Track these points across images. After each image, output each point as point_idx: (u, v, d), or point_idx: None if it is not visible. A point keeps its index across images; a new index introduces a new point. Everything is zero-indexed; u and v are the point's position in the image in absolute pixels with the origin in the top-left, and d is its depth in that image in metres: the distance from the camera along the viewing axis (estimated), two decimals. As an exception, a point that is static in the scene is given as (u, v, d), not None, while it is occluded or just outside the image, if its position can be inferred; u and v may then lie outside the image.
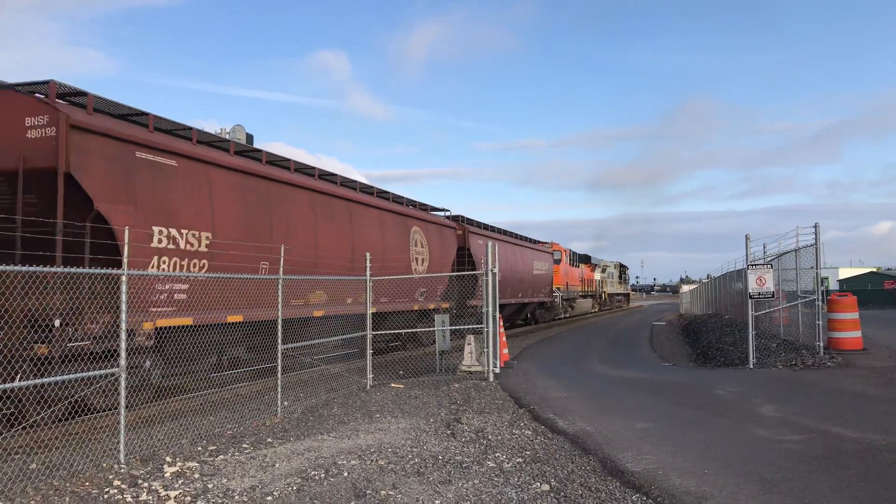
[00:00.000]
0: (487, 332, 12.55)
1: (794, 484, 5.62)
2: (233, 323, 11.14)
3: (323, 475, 6.32)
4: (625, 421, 8.49)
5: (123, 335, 7.15)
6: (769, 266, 14.48)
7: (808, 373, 12.09)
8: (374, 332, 12.61)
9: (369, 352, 12.50)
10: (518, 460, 6.79)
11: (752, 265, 14.31)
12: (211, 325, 10.50)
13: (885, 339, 17.49)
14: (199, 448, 7.64)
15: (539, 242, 35.50)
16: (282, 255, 10.13)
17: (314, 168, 14.93)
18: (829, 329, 14.30)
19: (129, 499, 5.72)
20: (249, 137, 14.46)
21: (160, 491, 5.92)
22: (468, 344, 13.86)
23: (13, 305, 7.67)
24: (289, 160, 14.00)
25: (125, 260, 7.36)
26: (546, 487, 5.85)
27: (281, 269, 10.06)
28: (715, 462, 6.39)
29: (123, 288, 7.18)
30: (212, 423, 9.02)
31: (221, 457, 7.17)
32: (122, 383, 7.11)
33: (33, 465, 6.79)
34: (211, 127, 11.89)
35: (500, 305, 26.24)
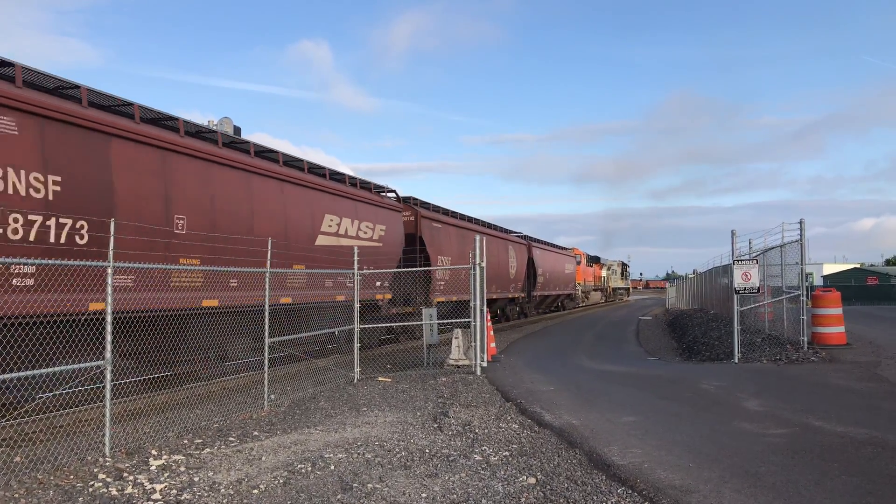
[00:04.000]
0: (475, 325, 12.53)
1: (778, 477, 5.69)
2: (450, 300, 21.16)
3: (309, 468, 6.31)
4: (611, 415, 8.54)
5: (109, 327, 7.10)
6: (755, 261, 14.59)
7: (793, 367, 12.21)
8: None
9: (357, 345, 12.51)
10: (505, 453, 6.81)
11: (738, 260, 14.42)
12: (447, 302, 20.89)
13: (869, 334, 17.70)
14: (186, 441, 7.61)
15: (566, 249, 46.76)
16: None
17: (479, 219, 27.48)
18: (814, 324, 14.45)
19: (114, 492, 5.69)
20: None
21: (146, 484, 5.89)
22: (455, 338, 13.85)
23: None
24: (466, 215, 26.13)
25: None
26: (532, 481, 5.88)
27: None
28: (700, 455, 6.45)
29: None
30: (198, 416, 8.98)
31: (208, 450, 7.15)
32: (108, 376, 7.07)
33: (17, 459, 6.72)
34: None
35: (545, 296, 39.58)
